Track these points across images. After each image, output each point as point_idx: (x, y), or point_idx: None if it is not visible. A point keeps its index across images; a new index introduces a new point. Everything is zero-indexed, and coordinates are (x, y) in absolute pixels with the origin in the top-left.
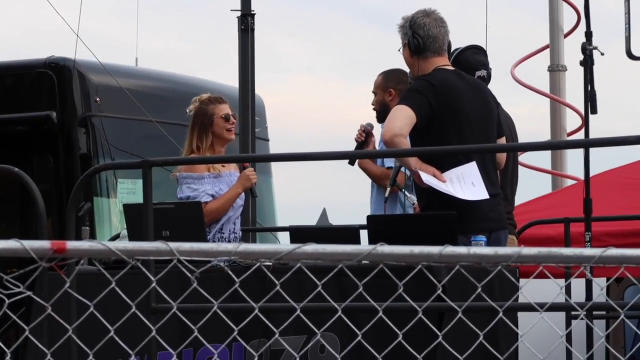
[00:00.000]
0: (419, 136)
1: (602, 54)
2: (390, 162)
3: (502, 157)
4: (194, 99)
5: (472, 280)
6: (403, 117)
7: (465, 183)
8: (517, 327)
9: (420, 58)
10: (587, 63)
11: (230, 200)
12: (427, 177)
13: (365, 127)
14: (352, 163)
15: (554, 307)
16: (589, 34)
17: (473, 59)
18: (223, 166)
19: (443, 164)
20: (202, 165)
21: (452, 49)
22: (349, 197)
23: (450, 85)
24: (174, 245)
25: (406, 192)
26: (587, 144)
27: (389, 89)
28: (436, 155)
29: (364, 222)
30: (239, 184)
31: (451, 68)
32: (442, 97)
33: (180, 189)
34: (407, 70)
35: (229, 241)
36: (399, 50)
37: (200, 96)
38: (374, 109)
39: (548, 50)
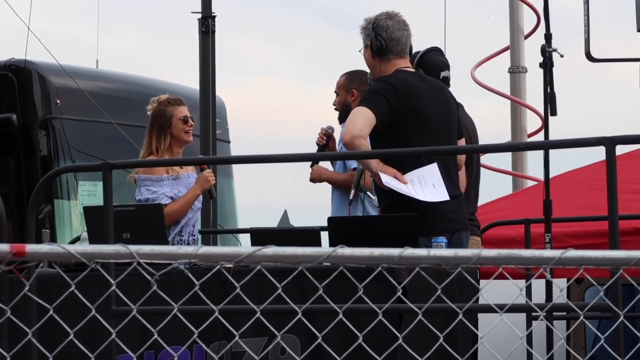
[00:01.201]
0: (379, 137)
1: (562, 56)
2: (355, 164)
3: (462, 158)
4: (152, 99)
5: (432, 282)
6: (362, 118)
7: (426, 184)
8: (476, 329)
9: (382, 60)
10: (547, 65)
11: (189, 202)
12: (388, 179)
13: (326, 131)
14: (313, 166)
15: (513, 309)
16: (548, 36)
17: (437, 60)
18: (181, 168)
19: (404, 165)
20: (161, 168)
21: (415, 51)
22: (311, 199)
23: (410, 86)
24: (133, 248)
25: (369, 194)
26: (547, 146)
27: (352, 90)
28: (397, 157)
29: (325, 223)
30: (198, 186)
31: (412, 70)
32: (402, 98)
33: (138, 191)
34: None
35: (188, 244)
36: (359, 51)
37: (159, 97)
38: (335, 109)
39: (508, 51)
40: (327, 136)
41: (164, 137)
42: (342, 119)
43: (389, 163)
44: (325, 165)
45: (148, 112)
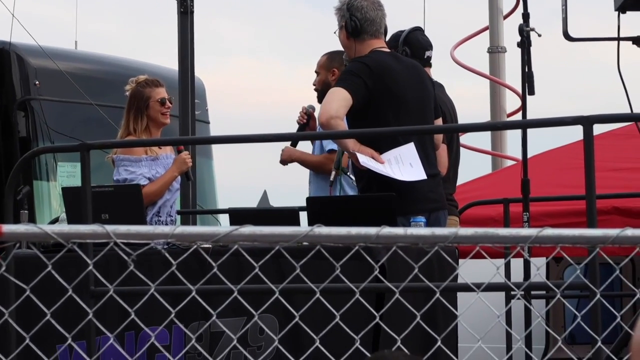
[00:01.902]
0: (356, 118)
1: (539, 35)
2: (331, 145)
3: (439, 137)
4: (130, 79)
5: (409, 261)
6: (339, 99)
7: (404, 164)
8: (456, 308)
9: (357, 40)
10: (524, 44)
11: (166, 183)
12: (365, 159)
13: (306, 109)
14: (294, 145)
15: (491, 287)
16: (526, 16)
17: (422, 39)
18: (160, 148)
19: (381, 145)
20: (140, 148)
21: (395, 30)
22: (291, 179)
23: (386, 67)
24: (110, 228)
25: (350, 175)
26: (525, 125)
27: (333, 69)
28: (374, 137)
29: (305, 204)
30: (175, 168)
31: (387, 50)
32: (378, 78)
33: (117, 171)
34: None
35: (166, 224)
36: (335, 33)
37: (137, 77)
38: (315, 89)
39: (487, 31)
40: (307, 115)
41: (141, 119)
42: (322, 98)
43: (366, 143)
44: (305, 144)
45: (126, 93)
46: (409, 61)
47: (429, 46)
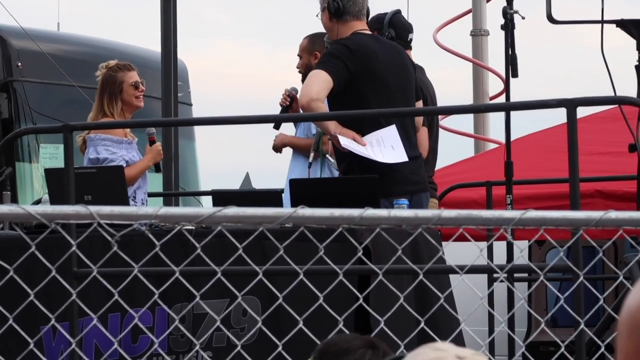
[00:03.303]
0: (338, 100)
1: (523, 18)
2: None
3: (419, 120)
4: (100, 65)
5: (392, 242)
6: (320, 81)
7: (385, 146)
8: (447, 289)
9: (340, 22)
10: (508, 27)
11: (142, 170)
12: (347, 141)
13: (289, 92)
14: (277, 127)
15: (474, 270)
16: None
17: (406, 22)
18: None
19: (363, 127)
20: (120, 130)
21: (377, 13)
22: (273, 162)
23: (367, 49)
24: (93, 208)
25: (329, 157)
26: (508, 108)
27: (315, 52)
28: (356, 119)
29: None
30: (151, 157)
31: (369, 32)
32: (359, 60)
33: (94, 150)
34: None
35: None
36: (317, 15)
37: (108, 63)
38: (299, 72)
39: (471, 14)
40: (290, 97)
41: (116, 103)
42: None
43: (347, 125)
44: (288, 126)
45: (97, 79)
46: (391, 43)
47: (411, 28)
